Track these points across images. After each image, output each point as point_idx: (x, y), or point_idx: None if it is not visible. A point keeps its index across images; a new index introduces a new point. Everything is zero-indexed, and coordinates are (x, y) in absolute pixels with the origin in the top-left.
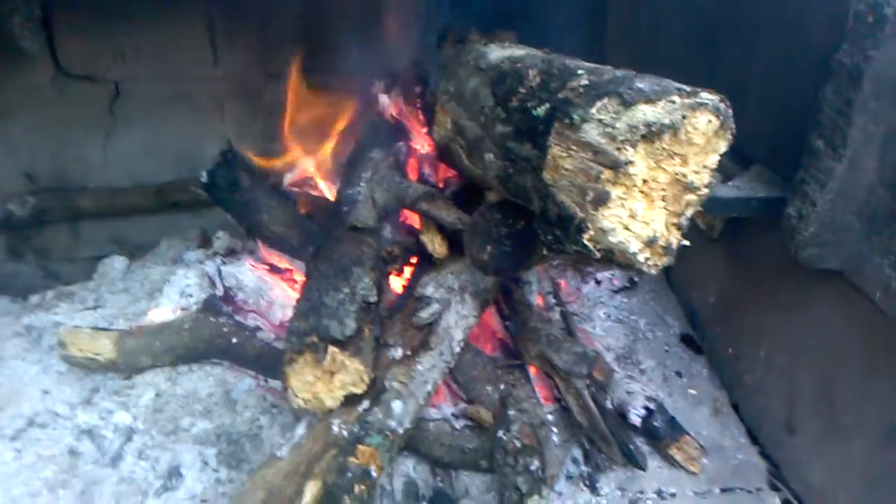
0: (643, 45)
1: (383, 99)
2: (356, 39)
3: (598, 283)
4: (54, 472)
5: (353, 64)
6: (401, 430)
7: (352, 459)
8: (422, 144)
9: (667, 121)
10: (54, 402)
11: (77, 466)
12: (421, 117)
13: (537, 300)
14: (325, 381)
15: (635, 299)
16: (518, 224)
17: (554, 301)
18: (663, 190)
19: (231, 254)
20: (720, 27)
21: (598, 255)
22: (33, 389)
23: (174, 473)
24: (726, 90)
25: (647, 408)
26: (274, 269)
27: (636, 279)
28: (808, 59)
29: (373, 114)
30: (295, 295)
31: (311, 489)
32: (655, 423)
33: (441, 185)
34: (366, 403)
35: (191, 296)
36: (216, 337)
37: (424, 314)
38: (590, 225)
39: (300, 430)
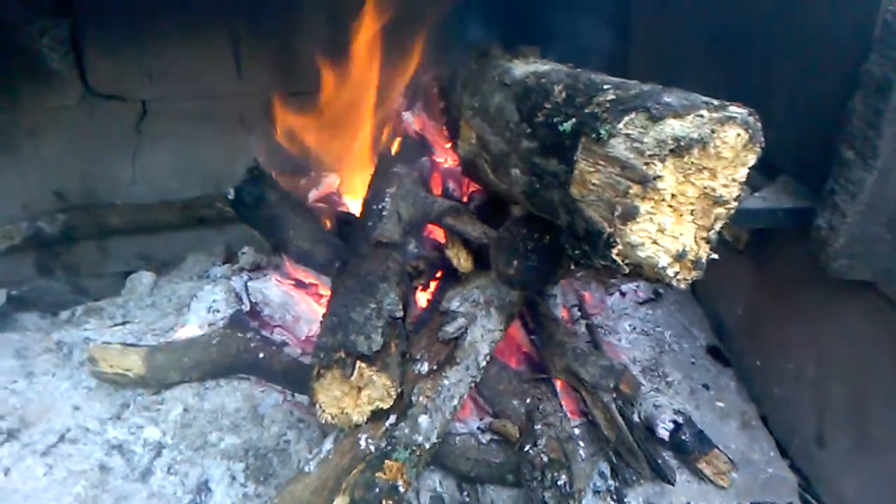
0: (666, 57)
1: (406, 114)
2: (379, 55)
3: (622, 294)
4: (85, 488)
5: (377, 79)
6: (427, 445)
7: (379, 474)
8: (445, 159)
9: (696, 135)
10: (85, 418)
11: (107, 481)
12: (445, 132)
13: (562, 313)
14: (353, 397)
15: (660, 311)
16: (544, 238)
17: (579, 314)
18: (692, 204)
19: (256, 269)
20: (744, 37)
21: (626, 269)
22: (64, 405)
23: (203, 488)
24: (751, 100)
25: (675, 421)
26: (299, 285)
27: (661, 291)
28: (835, 68)
29: (396, 130)
30: (320, 310)
31: None
32: (684, 437)
33: (465, 200)
34: (392, 418)
35: (218, 311)
36: (243, 352)
37: (450, 328)
38: (618, 240)
39: (327, 445)
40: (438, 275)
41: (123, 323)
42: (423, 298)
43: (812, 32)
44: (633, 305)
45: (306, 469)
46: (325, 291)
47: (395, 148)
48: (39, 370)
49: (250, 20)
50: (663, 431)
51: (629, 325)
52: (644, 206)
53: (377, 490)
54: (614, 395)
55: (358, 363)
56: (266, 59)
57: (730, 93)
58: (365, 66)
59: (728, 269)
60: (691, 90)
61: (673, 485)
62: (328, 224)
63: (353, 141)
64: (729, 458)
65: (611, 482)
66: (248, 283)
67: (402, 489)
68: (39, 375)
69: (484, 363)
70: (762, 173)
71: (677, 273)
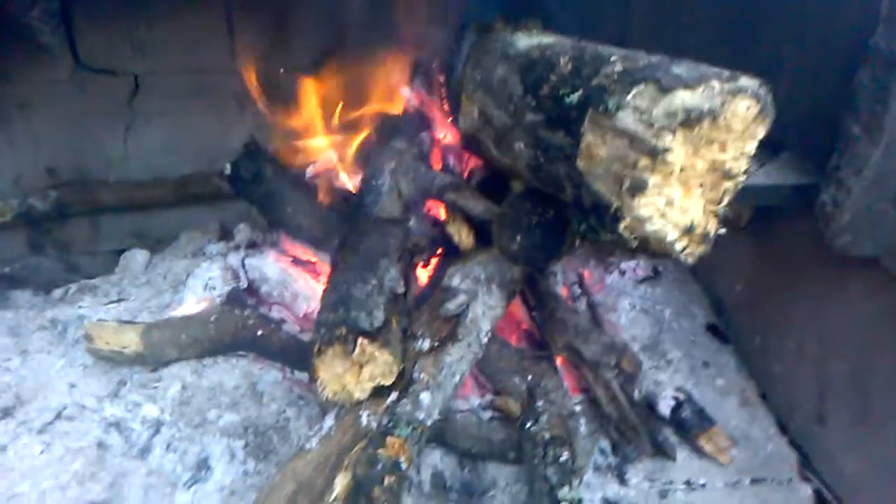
0: (668, 30)
1: (405, 89)
2: (376, 30)
3: (621, 273)
4: (83, 465)
5: (374, 54)
6: (429, 422)
7: (381, 451)
8: (445, 134)
9: (706, 107)
10: (81, 395)
11: (106, 459)
12: (445, 107)
13: (563, 291)
14: (354, 373)
15: (659, 289)
16: (548, 213)
17: (580, 291)
18: (701, 177)
19: (252, 246)
20: (748, 10)
21: (634, 243)
22: (60, 383)
23: (203, 465)
24: (755, 75)
25: (676, 398)
26: (297, 262)
27: (660, 269)
28: (841, 43)
29: (395, 104)
30: (319, 287)
31: (342, 481)
32: (684, 414)
33: (466, 176)
34: (394, 395)
35: (214, 288)
36: (241, 329)
37: (452, 305)
38: (626, 213)
39: (329, 421)
40: (439, 251)
41: (118, 300)
42: (423, 275)
43: (818, 5)
44: (633, 283)
45: (307, 446)
46: (324, 268)
47: (393, 123)
48: (34, 348)
49: None
50: (665, 408)
51: (628, 303)
52: (652, 179)
53: (379, 466)
54: (616, 373)
55: (360, 339)
56: (261, 33)
57: (733, 66)
58: (362, 42)
59: (727, 246)
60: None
61: (674, 461)
62: (326, 200)
63: (350, 116)
64: (729, 435)
65: (612, 458)
66: (246, 260)
67: (404, 466)
68: (34, 353)
69: (485, 340)
70: (764, 149)
71: (685, 247)
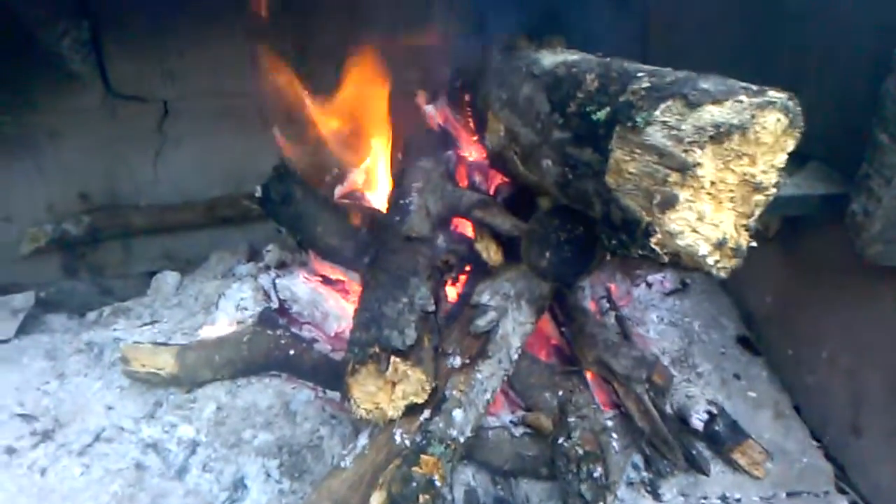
0: (688, 42)
1: (429, 108)
2: (398, 52)
3: (649, 286)
4: (122, 486)
5: (397, 76)
6: (462, 439)
7: (416, 469)
8: (470, 152)
9: (735, 121)
10: (119, 417)
11: (144, 480)
12: (470, 125)
13: (591, 305)
14: (387, 391)
15: (688, 301)
16: (577, 229)
17: (608, 305)
18: (731, 191)
19: (282, 266)
20: (771, 20)
21: (665, 258)
22: (97, 405)
23: (239, 485)
24: (779, 85)
25: (709, 412)
26: (327, 281)
27: (688, 281)
28: (867, 50)
29: (419, 124)
30: (349, 306)
31: (377, 499)
32: (717, 428)
33: (492, 193)
34: (427, 413)
35: (246, 309)
36: (274, 349)
37: (482, 322)
38: (657, 228)
39: (362, 440)
40: (467, 268)
41: (152, 322)
42: (452, 292)
43: (841, 14)
44: (660, 296)
45: (342, 464)
46: (353, 287)
47: (419, 143)
48: (71, 371)
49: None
50: (697, 422)
51: (657, 316)
52: (683, 194)
53: (414, 484)
54: (647, 387)
55: (392, 358)
56: (285, 58)
57: (756, 79)
58: (385, 63)
59: (756, 257)
60: None
61: (708, 475)
62: (355, 220)
63: (377, 136)
64: (763, 448)
65: (645, 474)
66: (276, 281)
67: (438, 483)
68: (71, 376)
69: (515, 356)
70: (791, 159)
71: (717, 261)
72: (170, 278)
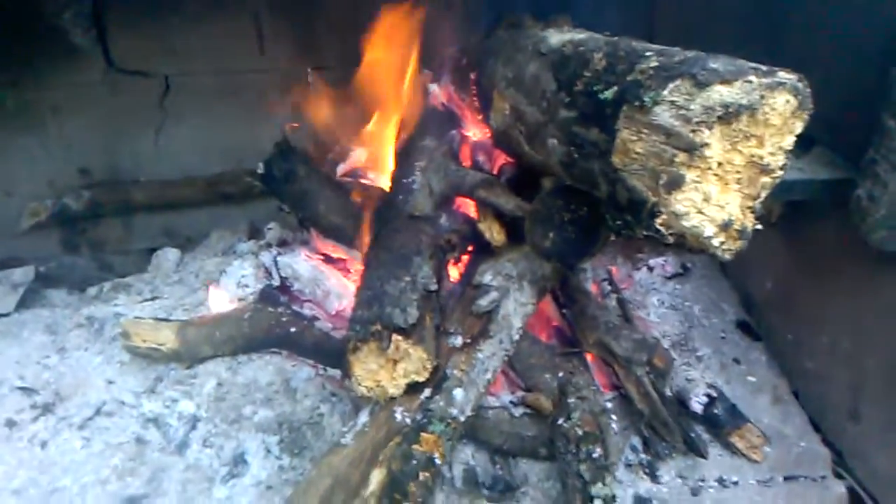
0: (695, 23)
1: (432, 87)
2: (403, 29)
3: (650, 269)
4: (122, 460)
5: (402, 52)
6: (462, 418)
7: (416, 447)
8: (474, 131)
9: (745, 101)
10: (119, 392)
11: (144, 454)
12: (475, 104)
13: (592, 287)
14: (388, 369)
15: (689, 285)
16: (581, 210)
17: (609, 288)
18: (738, 172)
19: (283, 244)
20: (780, 4)
21: (670, 239)
22: (98, 379)
23: (239, 460)
24: (787, 67)
25: (708, 395)
26: (328, 259)
27: (689, 265)
28: (876, 35)
29: (423, 102)
30: (350, 284)
31: (377, 476)
32: (716, 411)
33: (496, 172)
34: (427, 391)
35: (247, 286)
36: (275, 326)
37: (483, 302)
38: (662, 209)
39: (363, 417)
40: (470, 248)
41: (152, 298)
42: (454, 272)
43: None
44: (661, 280)
45: (342, 441)
46: (354, 265)
47: (422, 121)
48: (71, 345)
49: None
50: (696, 405)
51: (657, 300)
52: (690, 175)
53: (414, 462)
54: (647, 370)
55: (394, 336)
56: (289, 33)
57: (764, 61)
58: (390, 40)
59: (758, 241)
60: None
61: (706, 458)
62: (358, 198)
63: (380, 114)
64: (761, 432)
65: (643, 456)
66: (278, 258)
67: (438, 461)
68: (71, 350)
69: (517, 337)
70: (796, 144)
71: (722, 243)
72: (170, 255)
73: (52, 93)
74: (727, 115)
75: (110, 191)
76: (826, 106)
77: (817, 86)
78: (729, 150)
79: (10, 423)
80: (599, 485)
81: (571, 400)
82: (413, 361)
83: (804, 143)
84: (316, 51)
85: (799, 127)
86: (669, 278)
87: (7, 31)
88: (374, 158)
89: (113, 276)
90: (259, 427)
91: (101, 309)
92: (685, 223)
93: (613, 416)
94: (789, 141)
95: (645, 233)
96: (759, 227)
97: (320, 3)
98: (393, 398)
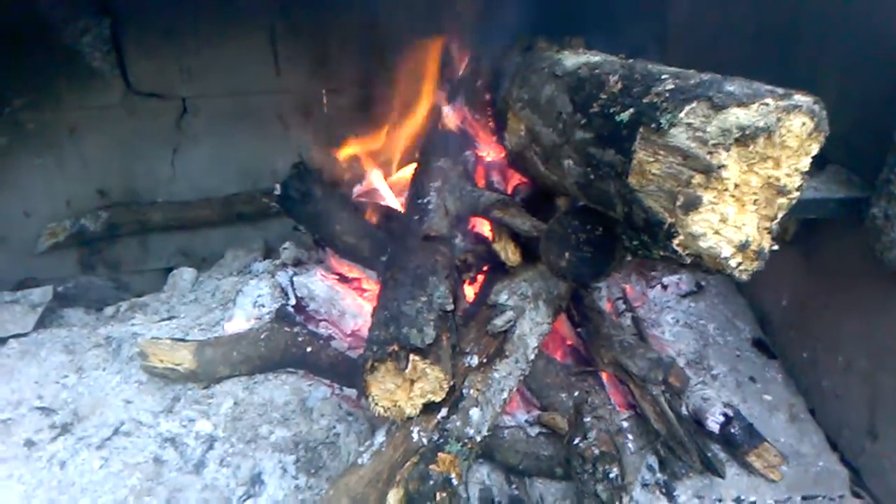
0: (707, 42)
1: (446, 108)
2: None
3: (664, 287)
4: (140, 480)
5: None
6: (478, 438)
7: (433, 467)
8: (488, 152)
9: (762, 124)
10: (137, 411)
11: (162, 474)
12: (490, 125)
13: (607, 306)
14: (405, 389)
15: (703, 303)
16: (597, 230)
17: (624, 306)
18: (755, 194)
19: (298, 264)
20: (791, 21)
21: (687, 260)
22: (115, 399)
23: (256, 480)
24: (799, 87)
25: (724, 414)
26: (343, 279)
27: (703, 283)
28: (889, 53)
29: (437, 123)
30: (365, 304)
31: (394, 496)
32: (733, 430)
33: (511, 193)
34: (444, 411)
35: (263, 306)
36: (291, 346)
37: (499, 322)
38: (680, 230)
39: (380, 437)
40: (485, 268)
41: (169, 318)
42: (470, 292)
43: (863, 16)
44: (676, 298)
45: (359, 461)
46: (369, 285)
47: (436, 142)
48: (89, 365)
49: (288, 17)
50: (713, 424)
51: (672, 318)
52: (707, 196)
53: (431, 482)
54: (663, 388)
55: (411, 356)
56: (303, 56)
57: (776, 80)
58: (407, 63)
59: (773, 259)
60: None
61: (723, 478)
62: (373, 219)
63: (394, 136)
64: (779, 452)
65: (659, 475)
66: (294, 278)
67: (455, 481)
68: (89, 370)
69: (532, 356)
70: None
71: (740, 264)
72: (186, 274)
73: (71, 114)
74: (744, 137)
75: (127, 211)
76: (840, 124)
77: (831, 104)
78: (746, 171)
79: (30, 443)
80: None
81: (587, 419)
82: (430, 381)
83: (818, 162)
84: (330, 73)
85: (815, 149)
86: (684, 296)
87: (28, 54)
88: (389, 179)
89: (130, 296)
90: (276, 447)
91: (118, 328)
92: (702, 244)
93: (629, 436)
94: (805, 162)
95: (662, 253)
96: (776, 247)
97: (335, 26)
98: (410, 418)
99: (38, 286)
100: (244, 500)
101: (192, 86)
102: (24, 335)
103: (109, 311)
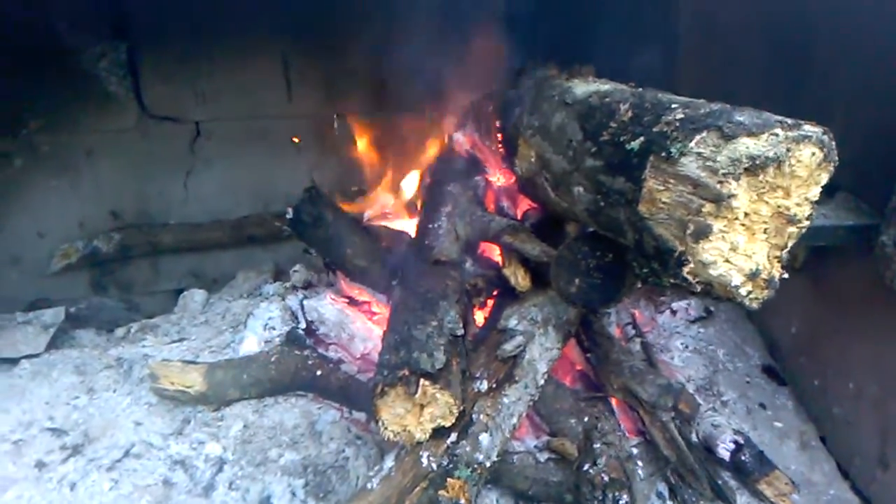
0: (717, 71)
1: (457, 134)
2: (427, 78)
3: (673, 313)
4: (149, 502)
5: (425, 101)
6: (488, 463)
7: (442, 492)
8: (498, 178)
9: (771, 154)
10: (147, 433)
11: (171, 496)
12: (499, 151)
13: (616, 332)
14: (415, 414)
15: (712, 329)
16: (607, 256)
17: (633, 332)
18: (765, 223)
19: (308, 287)
20: (801, 50)
21: (697, 287)
22: (126, 421)
23: None
24: (808, 115)
25: (735, 441)
26: (353, 303)
27: (712, 309)
28: None
29: (447, 149)
30: (375, 327)
31: None
32: (744, 458)
33: (520, 218)
34: (454, 436)
35: (273, 328)
36: (301, 370)
37: (509, 347)
38: (690, 258)
39: (389, 462)
40: (495, 293)
41: (179, 340)
42: (480, 317)
43: (872, 44)
44: (685, 323)
45: (368, 486)
46: (379, 309)
47: (447, 167)
48: (100, 386)
49: (300, 43)
50: (724, 451)
51: (681, 344)
52: (717, 225)
53: None
54: (673, 415)
55: (422, 381)
56: (315, 81)
57: (784, 108)
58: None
59: (782, 286)
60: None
61: None
62: (384, 243)
63: (405, 160)
64: (790, 479)
65: (669, 502)
66: (304, 301)
67: None
68: (100, 391)
69: (542, 381)
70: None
71: (750, 292)
72: (197, 296)
73: (86, 137)
74: (754, 167)
75: (139, 233)
76: (849, 151)
77: (839, 131)
78: (756, 200)
79: (40, 465)
80: None
81: (597, 445)
82: (440, 406)
83: (828, 189)
84: (341, 98)
85: (825, 178)
86: (693, 322)
87: (46, 78)
88: (400, 204)
89: (140, 317)
90: (285, 470)
91: (129, 350)
92: (712, 272)
93: (639, 462)
94: (815, 192)
95: (672, 281)
96: (786, 276)
97: (346, 52)
98: (419, 443)
99: (50, 307)
100: None
101: (206, 110)
102: (36, 356)
103: (120, 332)
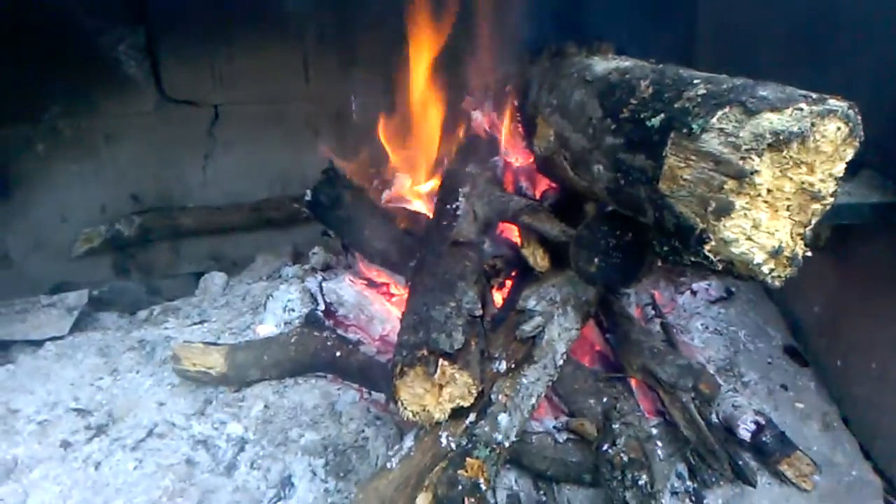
0: (737, 47)
1: (476, 114)
2: (444, 57)
3: (693, 293)
4: (173, 481)
5: (444, 81)
6: (507, 443)
7: (461, 472)
8: (516, 157)
9: (795, 129)
10: (170, 414)
11: (194, 475)
12: (519, 130)
13: (636, 312)
14: (434, 394)
15: (733, 310)
16: (626, 235)
17: (653, 312)
18: (788, 199)
19: (327, 269)
20: (823, 24)
21: (718, 266)
22: (149, 401)
23: (286, 483)
24: (832, 91)
25: (756, 422)
26: (372, 284)
27: (733, 289)
28: None
29: (466, 129)
30: (393, 309)
31: (423, 501)
32: (765, 439)
33: (539, 198)
34: (473, 416)
35: (293, 310)
36: (321, 350)
37: (528, 327)
38: (711, 236)
39: (408, 442)
40: (514, 273)
41: (201, 322)
42: (498, 297)
43: None
44: (705, 304)
45: (388, 465)
46: (398, 290)
47: (465, 148)
48: (123, 367)
49: (319, 26)
50: (744, 432)
51: (701, 324)
52: (739, 202)
53: (460, 487)
54: (693, 395)
55: (441, 361)
56: (333, 63)
57: (807, 83)
58: (435, 69)
59: (805, 265)
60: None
61: (754, 487)
62: (402, 224)
63: (423, 141)
64: (811, 460)
65: (689, 483)
66: (323, 283)
67: (483, 487)
68: (124, 373)
69: (561, 362)
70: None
71: (772, 270)
72: (217, 279)
73: (106, 122)
74: (777, 142)
75: (160, 217)
76: (874, 128)
77: (864, 108)
78: (779, 176)
79: (66, 444)
80: None
81: (616, 426)
82: (459, 386)
83: (852, 166)
84: (360, 81)
85: (850, 154)
86: (713, 302)
87: (65, 63)
88: (419, 184)
89: (162, 300)
90: (305, 450)
91: (151, 332)
92: (734, 250)
93: (659, 443)
94: (840, 168)
95: (693, 259)
96: (810, 253)
97: (364, 34)
98: (438, 423)
99: (73, 290)
100: (274, 503)
101: (225, 93)
102: (61, 338)
103: (143, 314)
